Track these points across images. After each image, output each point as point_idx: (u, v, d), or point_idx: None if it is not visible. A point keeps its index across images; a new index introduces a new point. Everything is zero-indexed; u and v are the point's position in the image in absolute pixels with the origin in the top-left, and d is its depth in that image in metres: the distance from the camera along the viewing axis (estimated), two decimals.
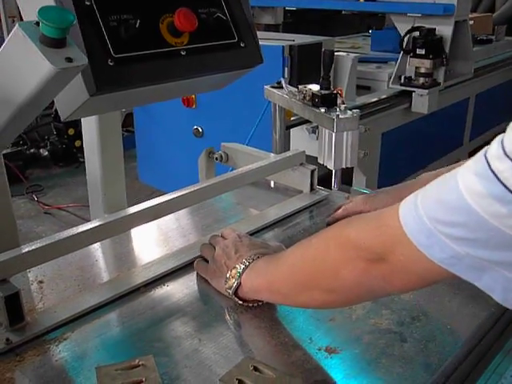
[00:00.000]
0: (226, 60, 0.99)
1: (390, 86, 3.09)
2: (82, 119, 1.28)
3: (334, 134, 1.11)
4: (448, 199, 0.55)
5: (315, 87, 1.20)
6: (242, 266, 0.87)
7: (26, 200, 4.04)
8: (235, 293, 0.88)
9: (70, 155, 4.45)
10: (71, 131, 4.28)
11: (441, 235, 0.56)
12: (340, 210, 1.10)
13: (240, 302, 0.88)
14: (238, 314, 0.87)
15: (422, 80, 3.04)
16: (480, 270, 0.56)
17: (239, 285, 0.87)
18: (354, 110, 1.11)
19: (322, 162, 1.18)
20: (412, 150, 3.48)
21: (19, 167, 4.12)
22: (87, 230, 0.94)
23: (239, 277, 0.86)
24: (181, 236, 1.14)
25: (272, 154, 1.37)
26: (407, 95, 3.07)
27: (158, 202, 1.06)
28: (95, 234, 0.95)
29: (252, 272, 0.86)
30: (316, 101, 1.17)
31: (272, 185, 1.40)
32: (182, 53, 0.91)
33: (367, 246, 0.65)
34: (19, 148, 4.34)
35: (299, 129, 2.66)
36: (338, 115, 1.10)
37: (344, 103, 1.20)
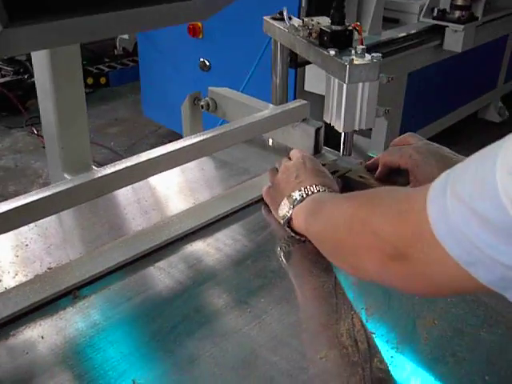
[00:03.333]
0: None
1: (421, 19, 2.77)
2: (32, 55, 1.02)
3: (345, 86, 0.84)
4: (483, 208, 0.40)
5: (325, 20, 0.91)
6: (298, 197, 0.77)
7: (25, 133, 3.81)
8: (289, 223, 0.78)
9: None
10: None
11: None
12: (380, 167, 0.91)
13: (292, 235, 0.79)
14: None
15: (457, 13, 2.69)
16: None
17: (290, 218, 0.77)
18: (375, 54, 0.83)
19: (327, 121, 0.91)
20: (440, 93, 3.19)
21: (19, 97, 3.86)
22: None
23: (292, 208, 0.77)
24: (151, 210, 0.90)
25: (270, 105, 1.10)
26: (439, 31, 2.74)
27: (131, 164, 0.81)
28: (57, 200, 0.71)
29: (302, 211, 0.76)
30: (325, 39, 0.89)
31: (270, 143, 1.14)
32: None
33: (387, 237, 0.52)
34: (19, 76, 4.06)
35: (315, 66, 2.36)
36: (351, 60, 0.82)
37: (363, 43, 0.91)
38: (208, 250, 0.78)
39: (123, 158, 0.86)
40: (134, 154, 0.84)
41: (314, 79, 2.48)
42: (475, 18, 2.74)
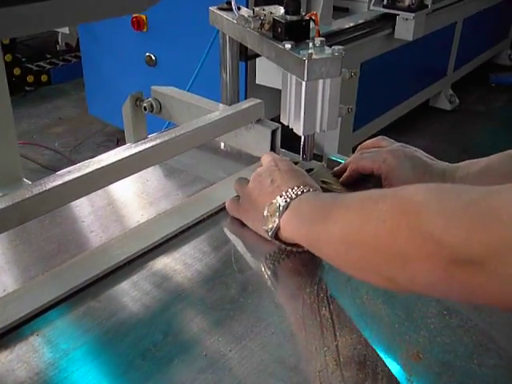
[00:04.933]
0: None
1: (371, 7, 2.73)
2: None
3: (303, 83, 0.74)
4: None
5: (278, 10, 0.82)
6: (282, 203, 0.67)
7: None
8: (276, 235, 0.69)
9: (10, 85, 3.95)
10: (8, 57, 3.75)
11: None
12: (346, 172, 0.84)
13: (283, 246, 0.71)
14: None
15: (407, 1, 2.66)
16: None
17: (279, 227, 0.68)
18: (336, 47, 0.74)
19: (285, 123, 0.82)
20: (392, 82, 3.15)
21: None
22: None
23: (279, 216, 0.67)
24: (88, 233, 0.79)
25: (221, 105, 1.00)
26: (390, 19, 2.70)
27: (63, 182, 0.69)
28: None
29: (294, 216, 0.66)
30: (279, 31, 0.79)
31: (222, 147, 1.04)
32: None
33: (458, 244, 0.44)
34: None
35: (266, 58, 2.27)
36: (310, 54, 0.73)
37: (320, 34, 0.83)
38: (155, 279, 0.68)
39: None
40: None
41: (266, 72, 2.38)
42: (425, 5, 2.71)
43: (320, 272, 0.69)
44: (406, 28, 2.71)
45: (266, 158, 0.77)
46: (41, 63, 4.24)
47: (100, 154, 0.83)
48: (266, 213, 0.69)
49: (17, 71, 3.84)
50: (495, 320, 0.61)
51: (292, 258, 0.72)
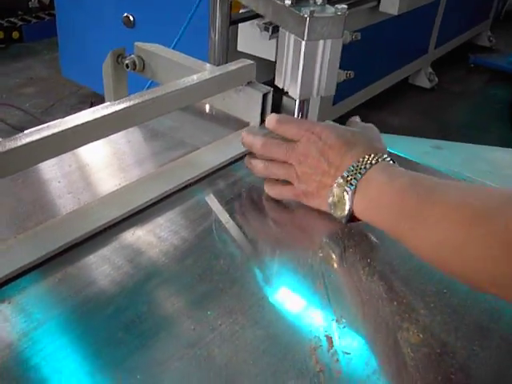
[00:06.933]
0: None
1: None
2: None
3: (303, 43, 0.70)
4: None
5: None
6: (349, 188, 0.61)
7: None
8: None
9: None
10: None
11: None
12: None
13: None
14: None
15: None
16: None
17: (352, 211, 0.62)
18: (340, 6, 0.69)
19: (280, 86, 0.77)
20: (374, 57, 3.11)
21: None
22: None
23: (350, 200, 0.61)
24: (65, 194, 0.74)
25: (208, 65, 0.94)
26: None
27: (37, 138, 0.63)
28: None
29: (366, 200, 0.61)
30: None
31: (208, 110, 0.98)
32: None
33: None
34: None
35: (249, 24, 2.20)
36: (311, 12, 0.68)
37: None
38: (138, 245, 0.63)
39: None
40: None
41: (248, 38, 2.31)
42: None
43: (313, 245, 0.65)
44: (392, 2, 2.67)
45: (299, 132, 0.66)
46: (12, 19, 4.07)
47: None
48: (331, 198, 0.63)
49: None
50: (496, 299, 0.58)
51: (283, 230, 0.69)
